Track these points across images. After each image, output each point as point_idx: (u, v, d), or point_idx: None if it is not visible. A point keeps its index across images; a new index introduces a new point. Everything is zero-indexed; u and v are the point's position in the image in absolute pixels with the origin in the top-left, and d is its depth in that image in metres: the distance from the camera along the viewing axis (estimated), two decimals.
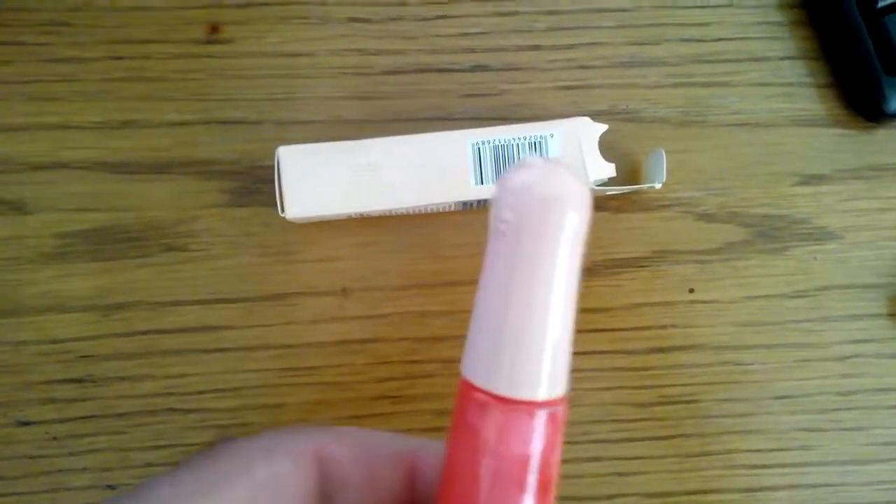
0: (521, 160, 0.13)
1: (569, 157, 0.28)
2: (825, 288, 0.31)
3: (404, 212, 0.29)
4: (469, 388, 0.13)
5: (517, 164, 0.13)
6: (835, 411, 0.30)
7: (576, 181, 0.13)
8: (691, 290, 0.31)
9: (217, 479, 0.13)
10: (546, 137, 0.28)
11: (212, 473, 0.13)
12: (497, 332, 0.13)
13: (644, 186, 0.29)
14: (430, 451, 0.15)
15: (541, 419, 0.13)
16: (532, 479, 0.13)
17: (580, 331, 0.30)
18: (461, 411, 0.13)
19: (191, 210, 0.30)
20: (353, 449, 0.14)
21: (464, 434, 0.13)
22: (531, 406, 0.13)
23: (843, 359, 0.31)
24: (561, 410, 0.13)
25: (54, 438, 0.29)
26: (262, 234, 0.30)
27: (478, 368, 0.13)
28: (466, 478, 0.13)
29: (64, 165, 0.30)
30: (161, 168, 0.30)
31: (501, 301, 0.13)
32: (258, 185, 0.30)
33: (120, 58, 0.31)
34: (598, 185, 0.29)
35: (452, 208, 0.30)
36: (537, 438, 0.13)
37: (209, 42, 0.31)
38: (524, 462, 0.12)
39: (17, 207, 0.30)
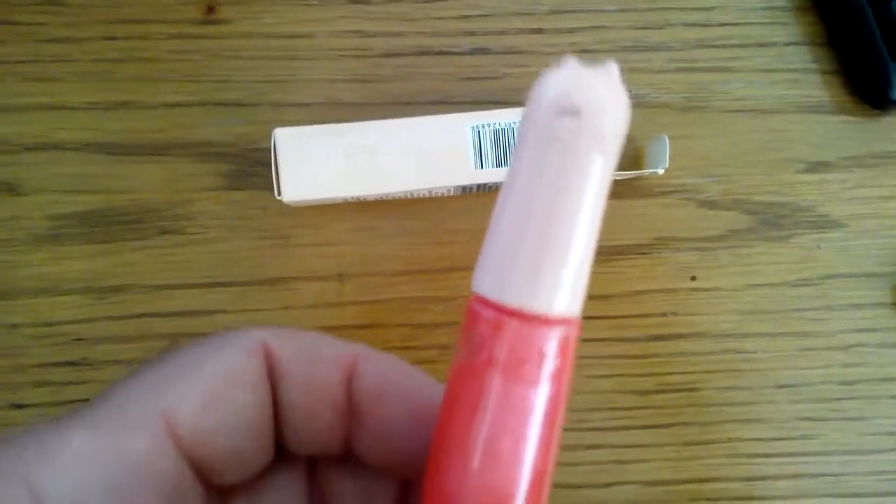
0: (559, 60, 0.12)
1: None
2: (829, 276, 0.30)
3: (403, 196, 0.29)
4: (478, 302, 0.12)
5: (554, 64, 0.12)
6: (837, 401, 0.30)
7: (617, 88, 0.12)
8: (693, 278, 0.30)
9: (171, 375, 0.13)
10: None
11: (165, 371, 0.13)
12: (515, 241, 0.12)
13: (646, 172, 0.28)
14: (371, 356, 0.15)
15: (555, 337, 0.12)
16: (542, 402, 0.12)
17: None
18: (468, 330, 0.12)
19: (186, 193, 0.30)
20: (295, 346, 0.14)
21: (471, 354, 0.12)
22: (546, 322, 0.12)
23: (845, 348, 0.30)
24: (575, 334, 0.12)
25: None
26: (258, 218, 0.30)
27: (490, 280, 0.12)
28: (471, 400, 0.12)
29: (58, 146, 0.30)
30: (156, 150, 0.30)
31: (524, 209, 0.12)
32: (255, 167, 0.30)
33: (115, 38, 0.30)
34: None
35: (452, 193, 0.29)
36: (550, 358, 0.12)
37: (206, 22, 0.31)
38: (535, 382, 0.12)
39: (11, 188, 0.30)
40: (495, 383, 0.12)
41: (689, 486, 0.30)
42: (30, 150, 0.30)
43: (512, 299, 0.12)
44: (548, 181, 0.12)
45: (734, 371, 0.30)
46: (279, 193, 0.27)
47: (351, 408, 0.15)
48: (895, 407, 0.30)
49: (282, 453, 0.15)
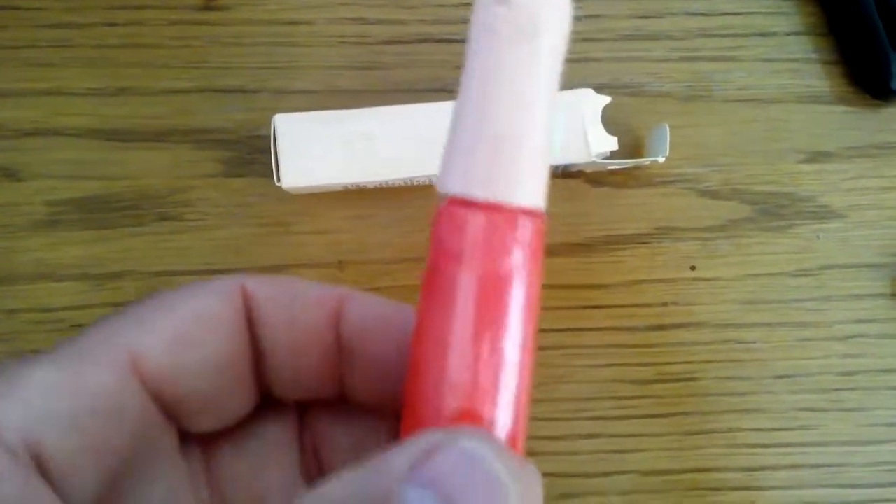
0: None
1: (571, 129, 0.28)
2: (828, 267, 0.30)
3: (402, 184, 0.29)
4: (446, 203, 0.12)
5: None
6: (836, 391, 0.30)
7: None
8: (693, 268, 0.30)
9: (142, 317, 0.13)
10: None
11: (136, 313, 0.13)
12: (476, 136, 0.12)
13: (647, 160, 0.28)
14: (356, 296, 0.15)
15: (524, 227, 0.12)
16: (515, 294, 0.12)
17: (578, 307, 0.30)
18: (437, 234, 0.12)
19: (186, 179, 0.30)
20: (275, 290, 0.14)
21: (441, 255, 0.12)
22: (514, 212, 0.12)
23: (845, 339, 0.30)
24: (542, 229, 0.12)
25: None
26: (258, 205, 0.30)
27: (454, 179, 0.12)
28: (446, 298, 0.12)
29: (57, 132, 0.30)
30: (156, 136, 0.30)
31: (474, 104, 0.12)
32: (255, 154, 0.30)
33: (115, 24, 0.30)
34: (601, 159, 0.28)
35: None
36: (521, 248, 0.12)
37: (206, 9, 0.30)
38: (507, 274, 0.12)
39: (10, 174, 0.30)
40: (467, 279, 0.12)
41: (689, 476, 0.30)
42: (29, 135, 0.30)
43: (475, 192, 0.12)
44: (490, 73, 0.12)
45: (734, 361, 0.30)
46: (278, 180, 0.27)
47: (341, 349, 0.14)
48: (894, 398, 0.30)
49: (269, 402, 0.15)
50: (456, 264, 0.12)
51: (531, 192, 0.12)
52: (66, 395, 0.12)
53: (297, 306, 0.14)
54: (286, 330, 0.14)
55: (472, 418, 0.12)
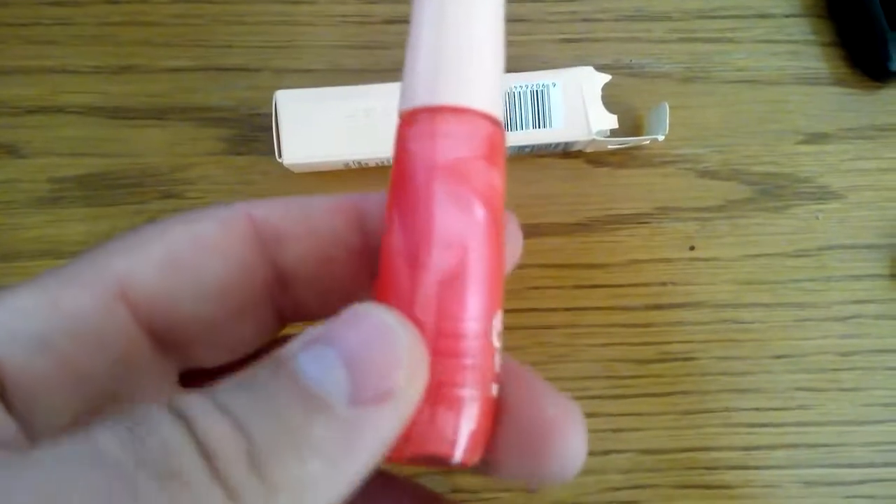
0: None
1: (571, 107, 0.28)
2: (827, 247, 0.31)
3: None
4: (407, 117, 0.13)
5: None
6: (834, 371, 0.30)
7: None
8: (692, 248, 0.30)
9: (131, 242, 0.13)
10: (548, 86, 0.28)
11: (130, 239, 0.13)
12: (433, 53, 0.13)
13: (646, 138, 0.29)
14: (370, 197, 0.14)
15: (483, 128, 0.13)
16: (482, 187, 0.12)
17: (578, 287, 0.30)
18: (401, 147, 0.13)
19: (188, 157, 0.30)
20: (285, 208, 0.14)
21: (405, 163, 0.13)
22: (473, 114, 0.13)
23: (843, 319, 0.30)
24: (501, 138, 0.13)
25: None
26: (260, 183, 0.30)
27: (414, 94, 0.13)
28: (414, 199, 0.12)
29: (60, 109, 0.30)
30: (158, 114, 0.30)
31: (437, 25, 0.13)
32: (256, 133, 0.30)
33: (117, 2, 0.30)
34: (601, 137, 0.28)
35: None
36: (482, 146, 0.13)
37: None
38: (472, 169, 0.12)
39: (12, 151, 0.30)
40: (436, 182, 0.12)
41: (686, 455, 0.30)
42: (31, 112, 0.30)
43: (435, 101, 0.12)
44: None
45: (732, 341, 0.30)
46: (280, 156, 0.28)
47: (369, 250, 0.14)
48: (892, 378, 0.30)
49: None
50: (424, 168, 0.12)
51: (493, 101, 0.13)
52: (40, 317, 0.11)
53: (313, 217, 0.14)
54: (308, 242, 0.14)
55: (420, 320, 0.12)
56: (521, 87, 0.28)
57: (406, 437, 0.12)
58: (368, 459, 0.10)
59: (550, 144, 0.28)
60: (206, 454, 0.09)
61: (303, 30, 0.31)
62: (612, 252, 0.30)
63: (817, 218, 0.31)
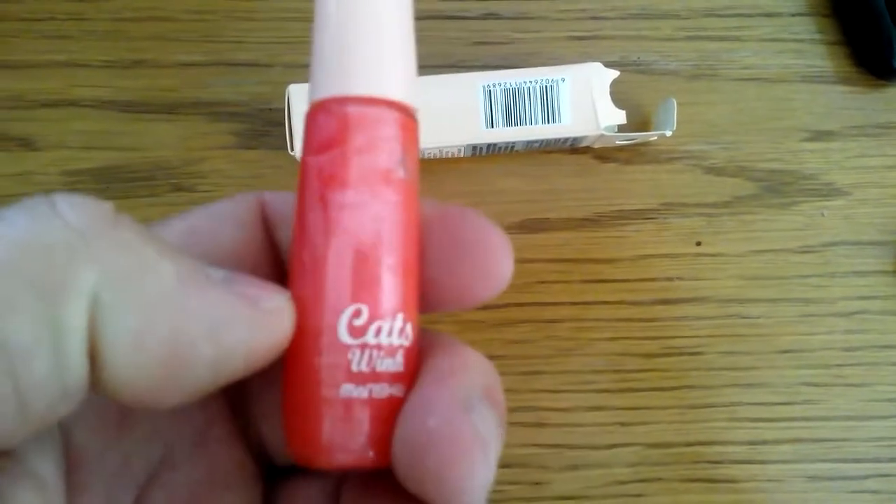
0: None
1: (580, 102, 0.28)
2: (832, 244, 0.31)
3: None
4: (316, 107, 0.13)
5: None
6: (839, 367, 0.30)
7: None
8: (698, 243, 0.31)
9: (159, 224, 0.14)
10: (557, 82, 0.28)
11: (152, 227, 0.14)
12: (338, 43, 0.13)
13: (654, 134, 0.29)
14: None
15: (395, 117, 0.13)
16: (397, 169, 0.13)
17: (585, 281, 0.30)
18: (311, 138, 0.13)
19: (199, 151, 0.30)
20: (290, 196, 0.15)
21: (320, 152, 0.13)
22: (387, 104, 0.13)
23: (848, 315, 0.31)
24: (414, 125, 0.13)
25: None
26: (270, 177, 0.30)
27: (324, 83, 0.13)
28: (325, 189, 0.12)
29: (73, 103, 0.30)
30: (170, 108, 0.30)
31: (340, 13, 0.13)
32: (267, 127, 0.30)
33: None
34: (609, 132, 0.29)
35: (461, 153, 0.30)
36: (402, 134, 0.13)
37: None
38: (386, 161, 0.12)
39: (26, 144, 0.30)
40: (351, 169, 0.12)
41: (692, 449, 0.30)
42: (46, 106, 0.30)
43: (343, 91, 0.12)
44: None
45: (737, 336, 0.30)
46: (292, 149, 0.28)
47: None
48: None
49: None
50: (340, 155, 0.12)
51: (406, 89, 0.13)
52: None
53: None
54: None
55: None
56: (530, 82, 0.28)
57: (314, 449, 0.12)
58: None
59: (559, 139, 0.29)
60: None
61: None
62: (619, 247, 0.31)
63: (822, 214, 0.31)
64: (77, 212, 0.10)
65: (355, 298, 0.12)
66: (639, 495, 0.29)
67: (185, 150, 0.30)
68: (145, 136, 0.30)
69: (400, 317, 0.13)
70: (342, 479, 0.14)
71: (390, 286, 0.12)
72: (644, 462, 0.30)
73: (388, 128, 0.13)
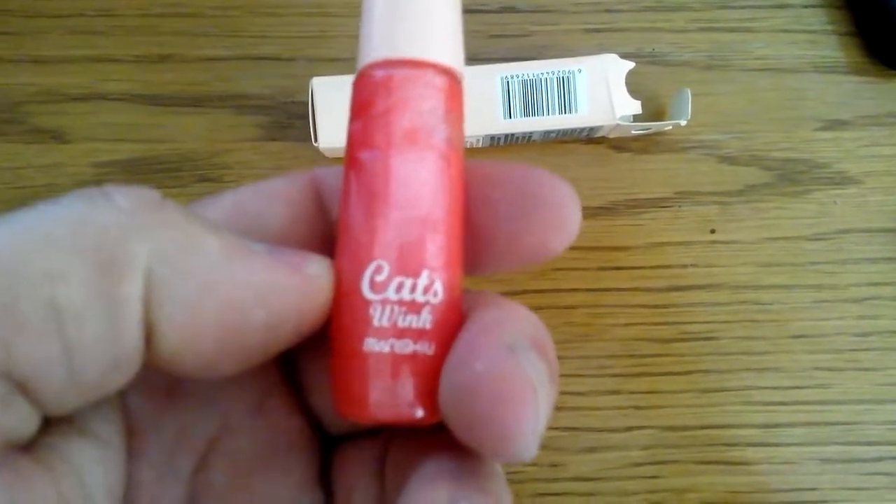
0: None
1: (596, 92, 0.29)
2: (844, 231, 0.31)
3: None
4: (367, 70, 0.13)
5: None
6: (851, 351, 0.31)
7: None
8: (712, 231, 0.31)
9: (209, 199, 0.14)
10: (574, 72, 0.29)
11: (204, 200, 0.14)
12: (389, 9, 0.13)
13: (669, 123, 0.29)
14: None
15: (444, 79, 0.13)
16: (441, 134, 0.13)
17: (602, 268, 0.31)
18: (360, 100, 0.13)
19: (225, 143, 0.31)
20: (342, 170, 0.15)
21: (370, 113, 0.13)
22: (430, 65, 0.13)
23: (860, 300, 0.31)
24: (460, 88, 0.14)
25: None
26: (294, 168, 0.31)
27: (370, 48, 0.13)
28: (375, 149, 0.13)
29: (103, 97, 0.31)
30: (196, 101, 0.31)
31: None
32: (291, 120, 0.31)
33: None
34: (625, 122, 0.29)
35: (480, 144, 0.30)
36: (444, 96, 0.13)
37: None
38: (432, 117, 0.13)
39: (57, 136, 0.31)
40: (380, 130, 0.13)
41: (707, 432, 0.31)
42: (76, 100, 0.31)
43: (394, 54, 0.13)
44: None
45: (751, 321, 0.31)
46: (316, 140, 0.29)
47: None
48: None
49: None
50: (388, 114, 0.13)
51: (443, 51, 0.13)
52: None
53: None
54: None
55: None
56: (547, 73, 0.29)
57: (361, 403, 0.13)
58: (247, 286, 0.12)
59: (576, 130, 0.29)
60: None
61: (334, 20, 0.32)
62: (634, 235, 0.31)
63: (835, 203, 0.31)
64: (127, 197, 0.11)
65: (377, 255, 0.13)
66: (654, 477, 0.30)
67: (211, 143, 0.31)
68: (172, 129, 0.31)
69: (425, 274, 0.13)
70: (389, 440, 0.15)
71: (415, 243, 0.13)
72: (659, 444, 0.30)
73: (426, 88, 0.13)
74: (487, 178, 0.14)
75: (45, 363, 0.10)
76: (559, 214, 0.13)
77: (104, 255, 0.10)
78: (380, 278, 0.13)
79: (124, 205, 0.11)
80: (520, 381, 0.11)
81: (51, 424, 0.12)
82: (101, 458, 0.12)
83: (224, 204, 0.14)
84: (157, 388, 0.14)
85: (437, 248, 0.13)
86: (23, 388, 0.10)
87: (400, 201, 0.13)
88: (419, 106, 0.13)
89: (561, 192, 0.13)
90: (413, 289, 0.13)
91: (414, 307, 0.13)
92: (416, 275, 0.13)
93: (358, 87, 0.13)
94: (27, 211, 0.11)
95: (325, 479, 0.15)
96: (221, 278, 0.11)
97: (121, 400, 0.13)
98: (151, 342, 0.11)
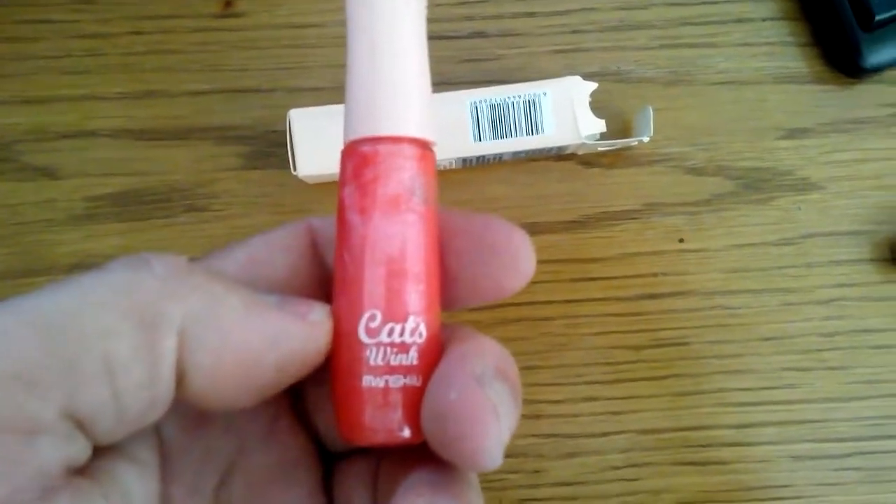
0: None
1: (561, 114, 0.30)
2: (809, 235, 0.33)
3: None
4: (350, 147, 0.15)
5: None
6: (819, 352, 0.32)
7: None
8: (681, 240, 0.33)
9: (221, 252, 0.16)
10: (539, 96, 0.30)
11: (217, 251, 0.16)
12: (367, 90, 0.15)
13: (633, 140, 0.31)
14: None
15: (419, 150, 0.15)
16: (419, 197, 0.15)
17: (575, 280, 0.32)
18: (347, 170, 0.15)
19: (210, 173, 0.33)
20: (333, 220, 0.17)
21: (357, 182, 0.15)
22: (411, 141, 0.15)
23: (826, 302, 0.32)
24: (432, 155, 0.16)
25: None
26: (277, 195, 0.32)
27: (356, 126, 0.15)
28: (368, 208, 0.15)
29: (92, 133, 0.33)
30: (181, 134, 0.33)
31: (369, 61, 0.15)
32: (272, 148, 0.33)
33: (141, 33, 0.33)
34: (591, 140, 0.31)
35: (453, 165, 0.32)
36: (419, 165, 0.15)
37: (224, 16, 0.33)
38: (411, 184, 0.15)
39: (49, 173, 0.32)
40: (369, 197, 0.15)
41: (682, 434, 0.32)
42: (66, 137, 0.33)
43: (372, 132, 0.15)
44: (365, 31, 0.15)
45: (722, 326, 0.32)
46: (295, 169, 0.30)
47: None
48: (874, 356, 0.32)
49: None
50: (373, 183, 0.15)
51: (419, 125, 0.15)
52: None
53: None
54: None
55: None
56: (514, 97, 0.30)
57: (353, 427, 0.15)
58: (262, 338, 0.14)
59: (543, 149, 0.31)
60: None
61: (311, 51, 0.33)
62: (606, 247, 0.33)
63: (799, 208, 0.33)
64: (163, 265, 0.13)
65: (370, 305, 0.15)
66: (632, 479, 0.31)
67: (196, 173, 0.32)
68: (159, 162, 0.32)
69: (412, 319, 0.15)
70: (381, 456, 0.17)
71: (401, 294, 0.15)
72: (636, 448, 0.32)
73: (404, 160, 0.15)
74: (453, 229, 0.16)
75: (100, 406, 0.12)
76: (513, 260, 0.15)
77: (146, 317, 0.13)
78: (373, 325, 0.15)
79: (160, 272, 0.13)
80: (485, 406, 0.14)
81: (101, 451, 0.14)
82: (141, 477, 0.15)
83: (237, 257, 0.16)
84: (187, 419, 0.16)
85: (419, 295, 0.15)
86: (80, 425, 0.13)
87: (386, 258, 0.15)
88: (399, 175, 0.15)
89: (516, 241, 0.15)
90: (402, 332, 0.15)
91: (403, 348, 0.15)
92: (404, 320, 0.15)
93: (346, 159, 0.16)
94: (80, 277, 0.13)
95: (326, 491, 0.17)
96: (240, 330, 0.14)
97: (156, 429, 0.16)
98: (182, 384, 0.13)
